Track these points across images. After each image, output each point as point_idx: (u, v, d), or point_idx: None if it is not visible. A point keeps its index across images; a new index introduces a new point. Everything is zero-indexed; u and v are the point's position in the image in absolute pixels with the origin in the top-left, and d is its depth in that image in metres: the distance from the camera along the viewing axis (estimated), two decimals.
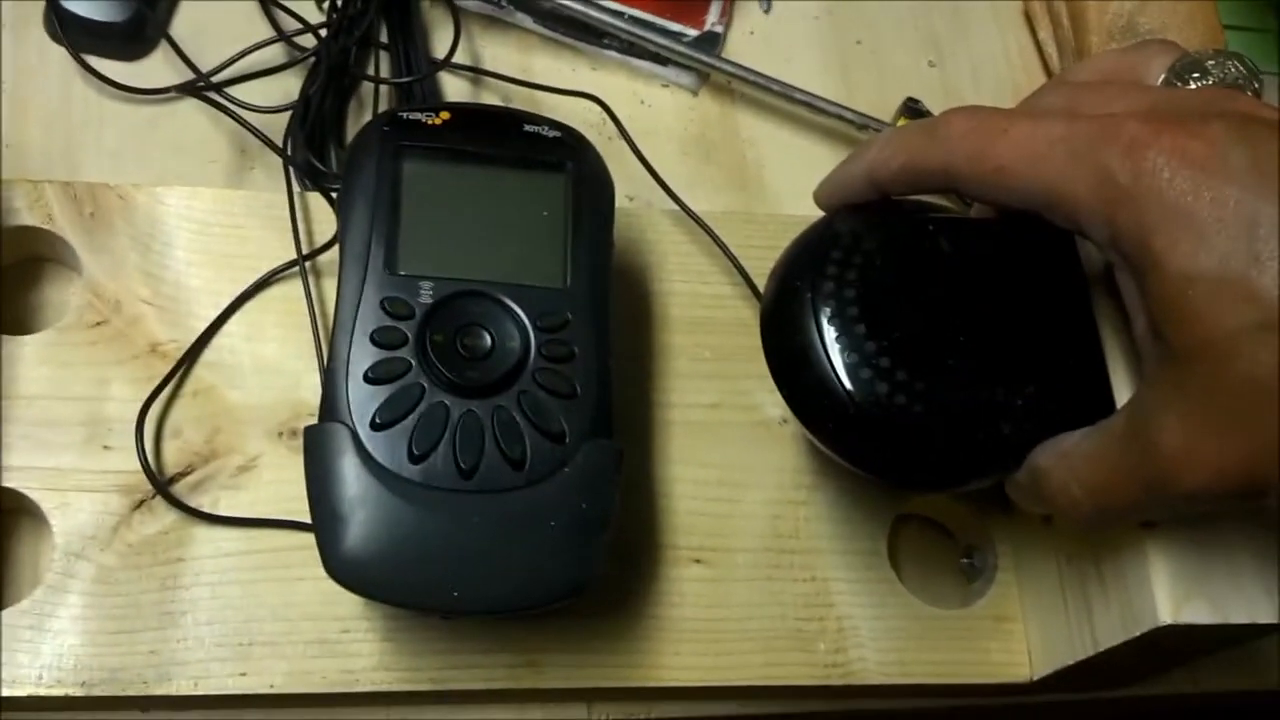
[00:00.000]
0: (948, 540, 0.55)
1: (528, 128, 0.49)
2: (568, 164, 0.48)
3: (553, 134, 0.49)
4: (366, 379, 0.44)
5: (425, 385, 0.44)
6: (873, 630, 0.50)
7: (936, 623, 0.51)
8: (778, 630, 0.49)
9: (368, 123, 0.49)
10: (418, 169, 0.47)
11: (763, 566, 0.50)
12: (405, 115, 0.48)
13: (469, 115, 0.49)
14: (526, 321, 0.45)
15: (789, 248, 0.47)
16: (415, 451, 0.43)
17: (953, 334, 0.44)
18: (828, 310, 0.44)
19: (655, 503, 0.50)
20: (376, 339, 0.44)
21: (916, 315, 0.44)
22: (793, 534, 0.51)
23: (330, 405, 0.44)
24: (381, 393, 0.44)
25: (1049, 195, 0.40)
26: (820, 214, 0.48)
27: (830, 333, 0.44)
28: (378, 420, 0.43)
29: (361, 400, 0.44)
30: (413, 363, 0.44)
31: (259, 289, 0.51)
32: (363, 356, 0.44)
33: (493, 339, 0.45)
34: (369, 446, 0.43)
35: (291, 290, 0.51)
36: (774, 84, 0.62)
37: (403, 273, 0.46)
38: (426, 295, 0.45)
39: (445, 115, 0.48)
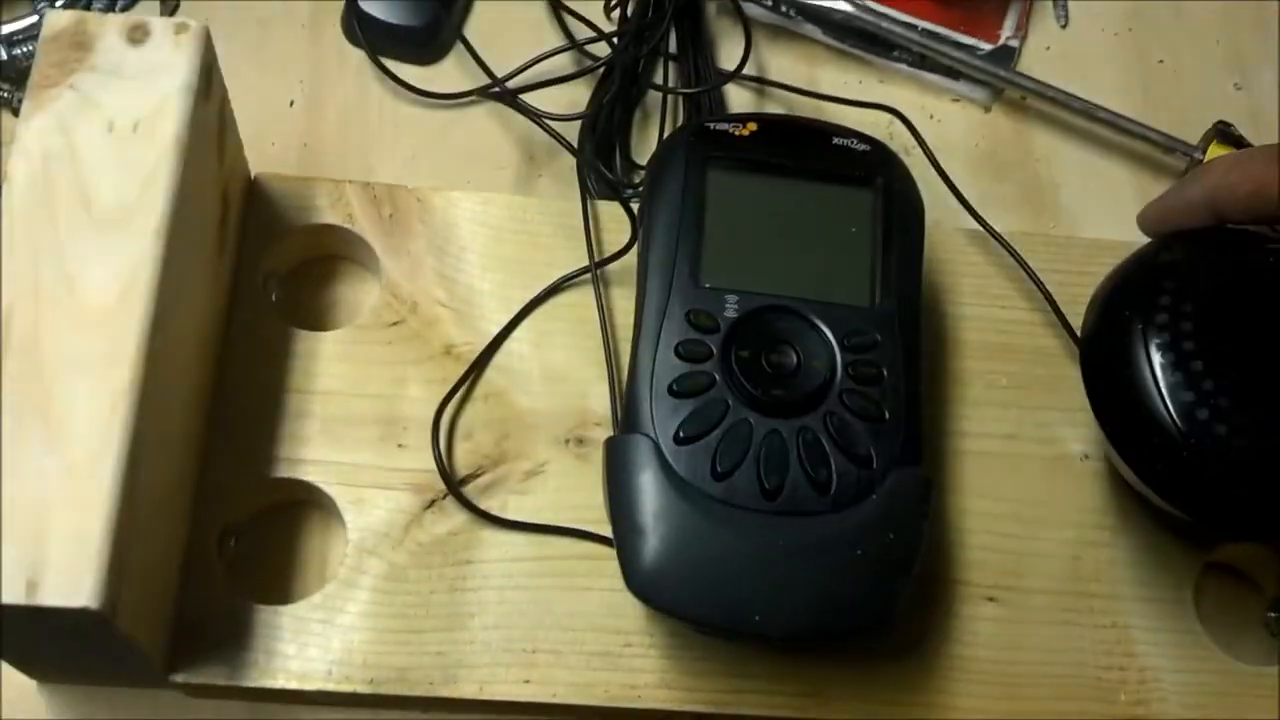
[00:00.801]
0: (1253, 591, 0.51)
1: (836, 140, 0.47)
2: (876, 179, 0.47)
3: (861, 147, 0.47)
4: (670, 392, 0.43)
5: (729, 401, 0.43)
6: (1176, 684, 0.47)
7: (1244, 679, 0.47)
8: (1076, 677, 0.47)
9: (674, 132, 0.49)
10: (724, 180, 0.46)
11: (1060, 609, 0.48)
12: (712, 125, 0.47)
13: (776, 127, 0.48)
14: (833, 340, 0.44)
15: (1115, 274, 0.45)
16: (719, 469, 0.42)
17: None
18: (1161, 343, 0.41)
19: (948, 535, 0.48)
20: (681, 352, 0.44)
21: (1258, 353, 0.41)
22: (1093, 577, 0.48)
23: (632, 417, 0.44)
24: (685, 406, 0.43)
25: None
26: (1135, 239, 0.46)
27: (1163, 368, 0.41)
28: (681, 434, 0.42)
29: (665, 413, 0.43)
30: (717, 378, 0.43)
31: (549, 295, 0.51)
32: (667, 369, 0.43)
33: (799, 357, 0.44)
34: (672, 461, 0.42)
35: (579, 298, 0.51)
36: (1075, 101, 0.59)
37: (708, 285, 0.45)
38: (732, 309, 0.44)
39: (752, 126, 0.47)
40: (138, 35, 0.42)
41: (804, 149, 0.47)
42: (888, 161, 0.47)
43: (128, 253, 0.39)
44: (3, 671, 0.44)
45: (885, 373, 0.44)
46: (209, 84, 0.43)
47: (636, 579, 0.41)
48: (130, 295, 0.38)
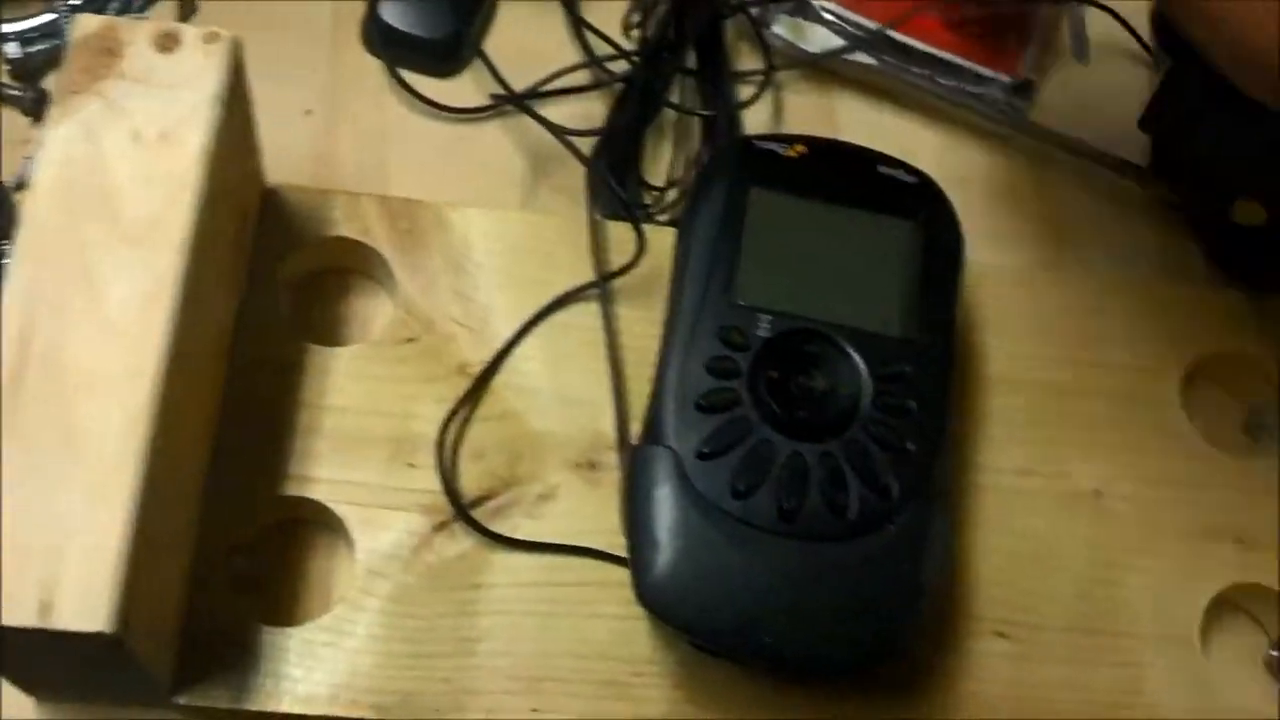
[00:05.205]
0: (1257, 630, 0.51)
1: (882, 169, 0.47)
2: (920, 211, 0.46)
3: (908, 179, 0.47)
4: (697, 406, 0.43)
5: (754, 420, 0.43)
6: None
7: None
8: (1083, 716, 0.46)
9: (720, 146, 0.48)
10: (767, 199, 0.46)
11: (1069, 647, 0.47)
12: (760, 144, 0.47)
13: (824, 150, 0.48)
14: (864, 369, 0.44)
15: None
16: (738, 487, 0.42)
17: None
18: None
19: (959, 569, 0.48)
20: (711, 367, 0.44)
21: None
22: (1102, 615, 0.48)
23: (656, 428, 0.43)
24: (710, 422, 0.43)
25: None
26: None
27: None
28: (704, 450, 0.42)
29: (689, 427, 0.43)
30: (744, 396, 0.43)
31: (552, 311, 0.50)
32: (695, 383, 0.43)
33: (827, 382, 0.44)
34: (692, 476, 0.42)
35: (596, 320, 0.51)
36: (1086, 146, 0.59)
37: (742, 303, 0.45)
38: (764, 328, 0.44)
39: (800, 148, 0.47)
40: (168, 43, 0.41)
41: (850, 175, 0.47)
42: (933, 195, 0.47)
43: (151, 266, 0.38)
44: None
45: (913, 405, 0.43)
46: (237, 94, 0.43)
47: (646, 590, 0.41)
48: (152, 309, 0.38)
